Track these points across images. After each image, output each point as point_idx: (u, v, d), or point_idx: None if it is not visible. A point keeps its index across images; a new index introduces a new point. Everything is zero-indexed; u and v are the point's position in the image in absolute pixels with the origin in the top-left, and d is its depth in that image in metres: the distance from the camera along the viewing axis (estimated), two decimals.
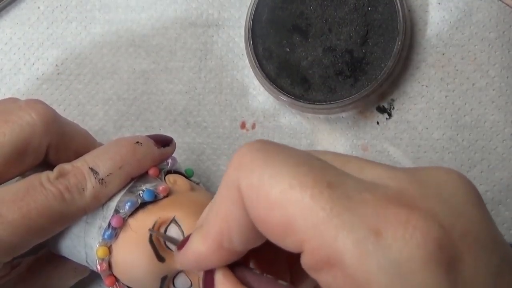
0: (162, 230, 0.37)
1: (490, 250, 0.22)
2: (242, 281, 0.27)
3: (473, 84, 0.43)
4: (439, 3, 0.44)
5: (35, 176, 0.35)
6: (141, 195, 0.38)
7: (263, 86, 0.45)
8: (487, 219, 0.23)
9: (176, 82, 0.48)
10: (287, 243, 0.23)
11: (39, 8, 0.50)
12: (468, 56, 0.43)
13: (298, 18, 0.43)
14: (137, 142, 0.38)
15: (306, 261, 0.22)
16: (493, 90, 0.43)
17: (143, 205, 0.38)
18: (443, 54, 0.44)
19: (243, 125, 0.46)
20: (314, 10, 0.43)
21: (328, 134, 0.45)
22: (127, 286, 0.39)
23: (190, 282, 0.39)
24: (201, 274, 0.28)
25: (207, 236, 0.26)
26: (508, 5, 0.42)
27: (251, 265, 0.29)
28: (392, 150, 0.44)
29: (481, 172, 0.43)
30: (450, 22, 0.44)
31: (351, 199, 0.22)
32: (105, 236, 0.37)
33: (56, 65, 0.49)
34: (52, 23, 0.49)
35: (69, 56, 0.49)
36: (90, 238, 0.38)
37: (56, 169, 0.36)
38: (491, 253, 0.21)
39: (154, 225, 0.37)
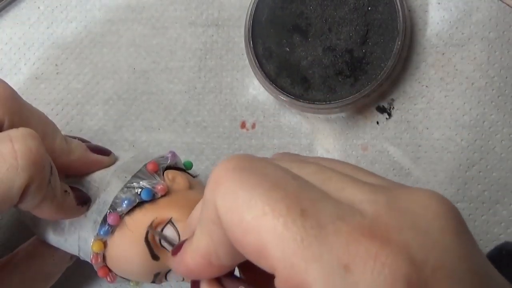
0: (158, 229, 0.37)
1: (465, 282, 0.21)
2: None
3: (473, 84, 0.43)
4: (439, 3, 0.44)
5: None
6: (139, 193, 0.38)
7: (263, 86, 0.45)
8: (467, 248, 0.21)
9: (176, 81, 0.48)
10: (262, 265, 0.23)
11: (39, 8, 0.50)
12: (467, 56, 0.43)
13: (298, 18, 0.44)
14: (66, 191, 0.37)
15: (278, 285, 0.22)
16: (493, 90, 0.43)
17: (140, 203, 0.38)
18: (443, 53, 0.44)
19: (243, 125, 0.46)
20: (314, 10, 0.43)
21: (328, 134, 0.46)
22: (119, 276, 0.40)
23: (182, 277, 0.39)
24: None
25: (196, 253, 0.26)
26: (508, 5, 0.42)
27: (240, 272, 0.29)
28: (392, 150, 0.44)
29: (479, 172, 0.43)
30: (450, 22, 0.44)
31: (323, 229, 0.21)
32: (101, 232, 0.37)
33: (56, 64, 0.49)
34: (52, 23, 0.49)
35: (69, 56, 0.49)
36: (85, 232, 0.38)
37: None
38: (465, 285, 0.21)
39: (151, 224, 0.37)
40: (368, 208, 0.22)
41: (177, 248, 0.28)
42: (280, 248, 0.21)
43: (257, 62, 0.44)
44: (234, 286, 0.27)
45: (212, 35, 0.47)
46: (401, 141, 0.44)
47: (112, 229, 0.37)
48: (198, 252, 0.26)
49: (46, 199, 0.34)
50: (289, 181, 0.23)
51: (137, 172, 0.39)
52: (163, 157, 0.41)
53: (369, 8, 0.43)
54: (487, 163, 0.43)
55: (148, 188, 0.38)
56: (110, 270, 0.39)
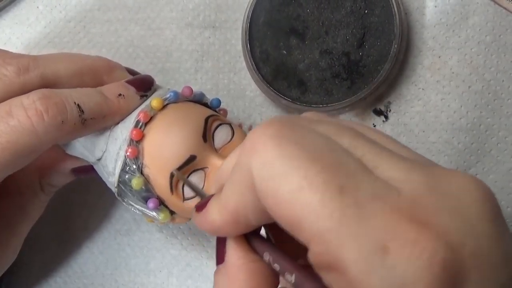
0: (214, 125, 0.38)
1: (499, 267, 0.21)
2: (254, 249, 0.27)
3: (469, 87, 0.43)
4: (435, 6, 0.44)
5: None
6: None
7: (260, 89, 0.45)
8: (501, 234, 0.22)
9: (172, 83, 0.48)
10: (295, 236, 0.23)
11: (38, 7, 0.50)
12: (464, 59, 0.43)
13: (295, 20, 0.44)
14: (120, 95, 0.38)
15: (310, 258, 0.22)
16: (489, 93, 0.43)
17: None
18: (439, 57, 0.44)
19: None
20: (311, 13, 0.43)
21: None
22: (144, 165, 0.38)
23: (203, 184, 0.37)
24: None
25: (224, 210, 0.26)
26: (505, 8, 0.42)
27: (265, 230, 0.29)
28: None
29: (476, 174, 0.43)
30: (447, 25, 0.44)
31: (361, 208, 0.21)
32: (171, 94, 0.38)
33: None
34: (50, 22, 0.49)
35: None
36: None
37: (38, 92, 0.34)
38: (499, 271, 0.21)
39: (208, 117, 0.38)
40: (406, 188, 0.22)
41: (202, 204, 0.28)
42: (316, 224, 0.21)
43: (254, 64, 0.44)
44: (262, 248, 0.27)
45: (209, 37, 0.47)
46: None
47: (178, 97, 0.39)
48: (227, 209, 0.26)
49: (96, 119, 0.36)
50: (327, 153, 0.23)
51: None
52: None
53: (366, 11, 0.43)
54: (484, 166, 0.43)
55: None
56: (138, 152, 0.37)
